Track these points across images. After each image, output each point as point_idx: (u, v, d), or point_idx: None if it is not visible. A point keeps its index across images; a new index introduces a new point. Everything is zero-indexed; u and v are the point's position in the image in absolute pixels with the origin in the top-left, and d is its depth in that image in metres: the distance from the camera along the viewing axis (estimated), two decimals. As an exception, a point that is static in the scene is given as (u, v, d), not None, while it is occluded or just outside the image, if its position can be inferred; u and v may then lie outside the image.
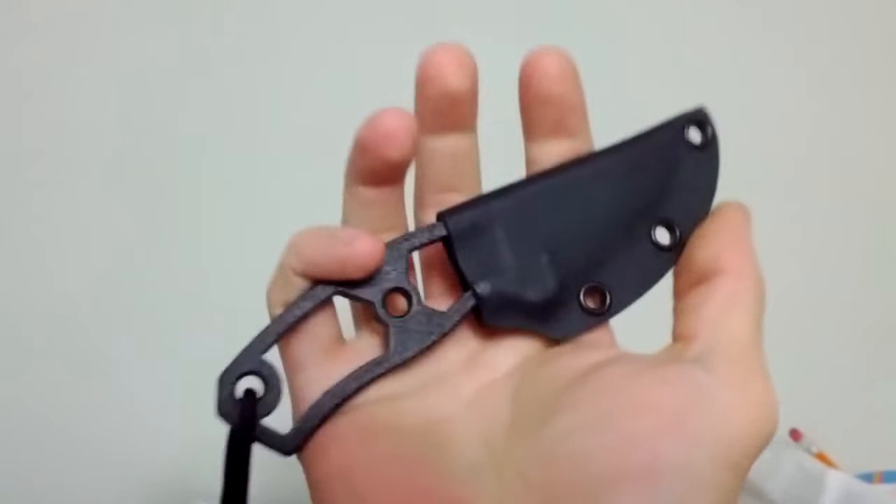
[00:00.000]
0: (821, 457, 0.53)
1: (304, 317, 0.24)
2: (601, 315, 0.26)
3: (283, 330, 0.24)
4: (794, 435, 0.54)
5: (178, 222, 0.53)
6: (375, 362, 0.24)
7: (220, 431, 0.23)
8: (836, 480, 0.49)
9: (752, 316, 0.23)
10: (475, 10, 0.56)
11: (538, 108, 0.26)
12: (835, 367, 0.60)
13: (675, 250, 0.26)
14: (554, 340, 0.26)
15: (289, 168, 0.54)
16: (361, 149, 0.24)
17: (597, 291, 0.26)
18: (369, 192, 0.25)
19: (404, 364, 0.24)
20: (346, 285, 0.24)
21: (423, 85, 0.24)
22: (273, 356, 0.24)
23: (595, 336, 0.26)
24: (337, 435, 0.23)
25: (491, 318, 0.25)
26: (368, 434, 0.23)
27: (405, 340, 0.24)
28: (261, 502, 0.27)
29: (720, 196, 0.27)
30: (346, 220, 0.26)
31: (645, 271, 0.26)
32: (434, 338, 0.24)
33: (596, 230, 0.26)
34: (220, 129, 0.53)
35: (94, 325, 0.51)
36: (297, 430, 0.24)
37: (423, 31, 0.53)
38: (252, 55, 0.54)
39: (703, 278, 0.24)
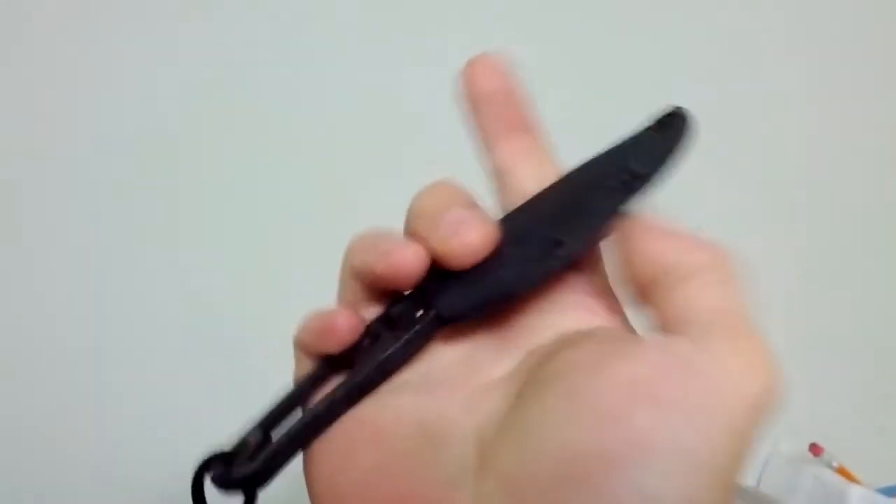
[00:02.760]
0: (842, 471, 0.52)
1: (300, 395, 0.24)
2: (557, 255, 0.23)
3: (270, 420, 0.24)
4: (815, 450, 0.53)
5: (179, 220, 0.53)
6: (340, 383, 0.24)
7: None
8: (857, 495, 0.49)
9: (726, 288, 0.21)
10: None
11: (484, 107, 0.27)
12: (855, 380, 0.60)
13: (639, 183, 0.24)
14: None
15: (277, 184, 0.54)
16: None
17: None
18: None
19: (369, 383, 0.24)
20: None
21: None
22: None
23: (611, 330, 0.24)
24: (326, 449, 0.23)
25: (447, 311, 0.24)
26: (355, 444, 0.23)
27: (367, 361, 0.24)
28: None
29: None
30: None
31: (599, 209, 0.24)
32: (390, 351, 0.24)
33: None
34: (208, 138, 0.53)
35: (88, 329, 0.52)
36: (267, 460, 0.23)
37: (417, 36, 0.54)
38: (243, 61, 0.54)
39: (656, 279, 0.22)
